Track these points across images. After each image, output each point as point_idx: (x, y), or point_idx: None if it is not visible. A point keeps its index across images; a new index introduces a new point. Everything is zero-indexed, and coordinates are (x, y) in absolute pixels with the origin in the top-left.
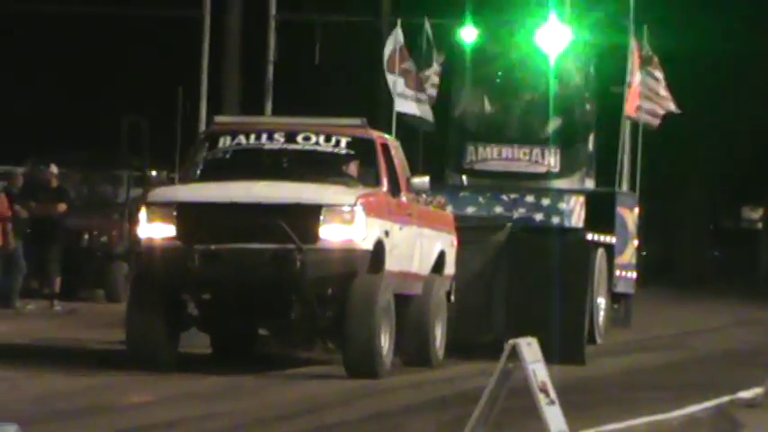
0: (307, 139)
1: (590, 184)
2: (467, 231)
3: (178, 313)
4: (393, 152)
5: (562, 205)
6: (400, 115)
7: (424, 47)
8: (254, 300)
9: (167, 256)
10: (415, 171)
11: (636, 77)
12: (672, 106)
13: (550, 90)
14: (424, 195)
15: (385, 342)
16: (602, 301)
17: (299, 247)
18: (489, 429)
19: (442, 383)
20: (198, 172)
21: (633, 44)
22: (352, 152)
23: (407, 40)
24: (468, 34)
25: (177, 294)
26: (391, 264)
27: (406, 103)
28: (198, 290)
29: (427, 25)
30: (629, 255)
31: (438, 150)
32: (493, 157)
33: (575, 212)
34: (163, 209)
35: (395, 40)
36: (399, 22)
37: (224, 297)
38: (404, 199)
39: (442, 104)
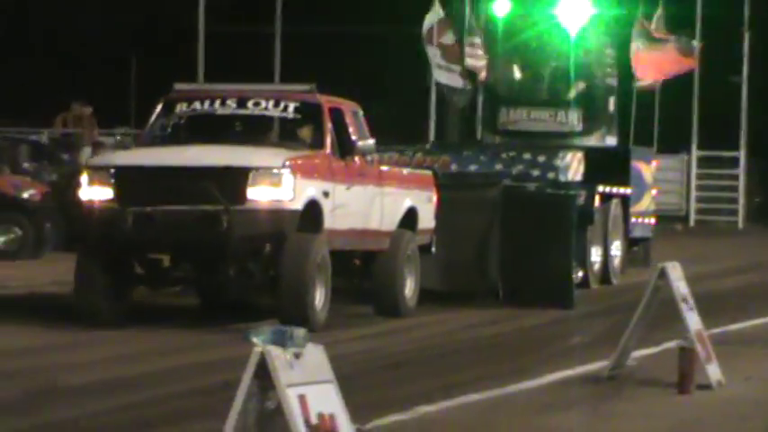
0: (257, 104)
1: (611, 141)
2: (464, 188)
3: (124, 271)
4: (347, 116)
5: (557, 161)
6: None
7: (467, 19)
8: (189, 259)
9: (104, 217)
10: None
11: (636, 45)
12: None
13: (574, 58)
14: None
15: (319, 297)
16: (616, 247)
17: (227, 208)
18: (645, 329)
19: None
20: (152, 137)
21: (639, 15)
22: (300, 116)
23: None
24: (500, 8)
25: (118, 254)
26: (336, 222)
27: (443, 74)
28: (133, 250)
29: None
30: (646, 203)
31: (474, 114)
32: (522, 118)
33: (571, 167)
34: (101, 173)
35: (435, 13)
36: None
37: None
38: (356, 160)
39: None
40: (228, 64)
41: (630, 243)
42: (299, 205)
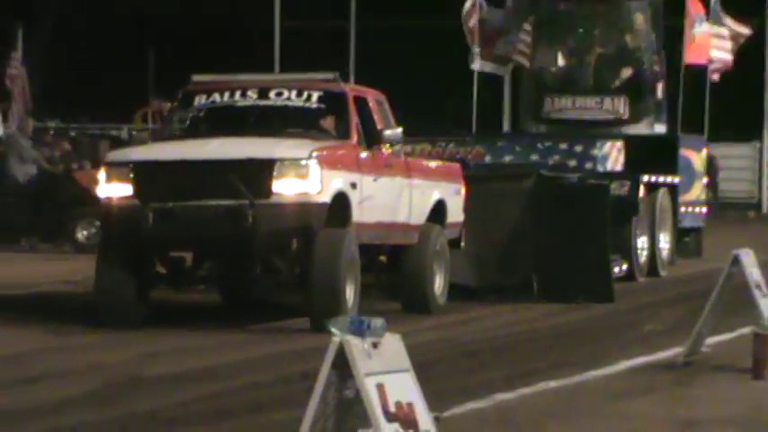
0: (279, 94)
1: (660, 128)
2: (497, 179)
3: (145, 271)
4: (372, 105)
5: (595, 151)
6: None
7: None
8: (213, 256)
9: (124, 215)
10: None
11: (696, 28)
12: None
13: (620, 44)
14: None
15: (350, 293)
16: (664, 237)
17: (252, 202)
18: (719, 316)
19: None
20: (172, 131)
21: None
22: (323, 106)
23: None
24: None
25: (139, 252)
26: (364, 215)
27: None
28: (154, 248)
29: None
30: (696, 192)
31: (518, 102)
32: (568, 106)
33: (610, 157)
34: (120, 169)
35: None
36: None
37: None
38: (383, 151)
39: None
40: (301, 60)
41: (681, 233)
42: (326, 198)
